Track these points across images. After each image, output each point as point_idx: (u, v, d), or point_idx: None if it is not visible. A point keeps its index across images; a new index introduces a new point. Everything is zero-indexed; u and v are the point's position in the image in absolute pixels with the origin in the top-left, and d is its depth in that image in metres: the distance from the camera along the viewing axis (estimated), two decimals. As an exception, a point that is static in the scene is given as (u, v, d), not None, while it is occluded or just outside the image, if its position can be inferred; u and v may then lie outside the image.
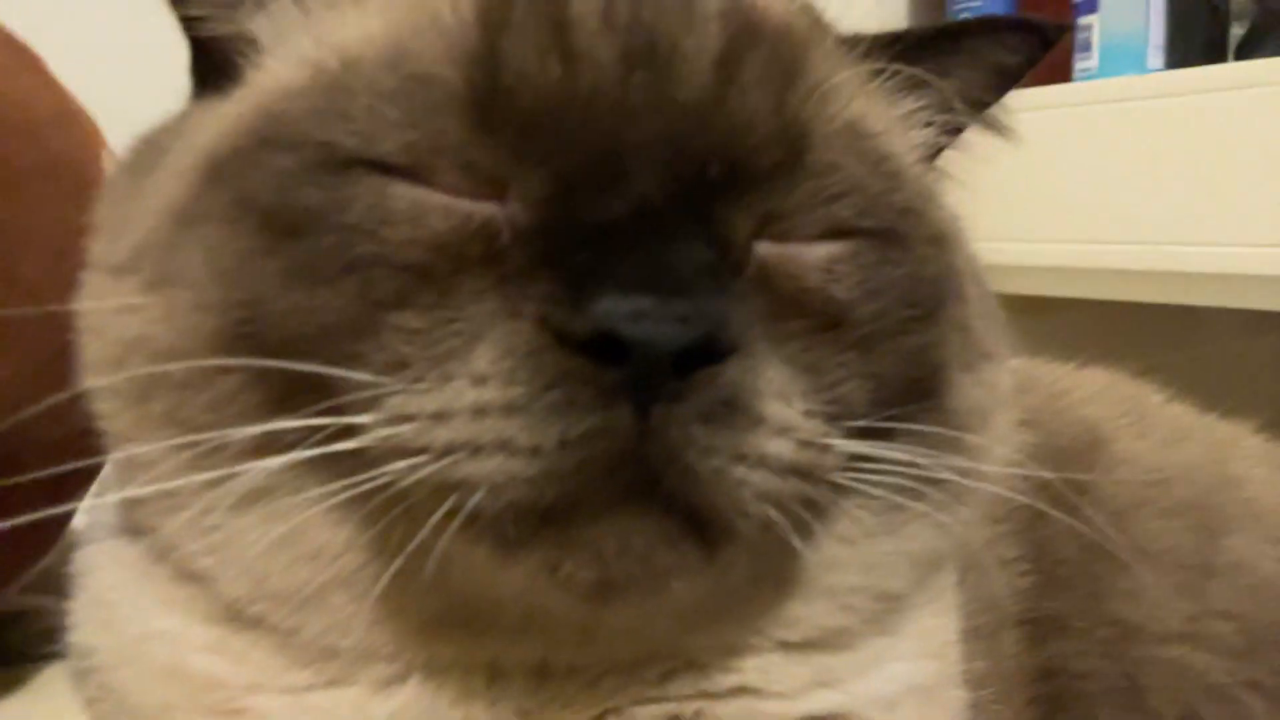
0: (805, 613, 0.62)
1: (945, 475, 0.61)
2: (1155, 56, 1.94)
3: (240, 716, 0.59)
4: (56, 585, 0.83)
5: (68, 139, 0.80)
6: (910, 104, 0.67)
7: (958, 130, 0.70)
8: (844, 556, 0.62)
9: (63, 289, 0.65)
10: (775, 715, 0.62)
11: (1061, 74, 1.98)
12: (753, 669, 0.62)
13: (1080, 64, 1.98)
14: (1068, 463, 0.84)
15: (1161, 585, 0.86)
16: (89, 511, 0.74)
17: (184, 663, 0.61)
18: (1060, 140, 1.82)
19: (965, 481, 0.63)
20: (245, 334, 0.55)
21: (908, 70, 0.64)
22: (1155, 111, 1.73)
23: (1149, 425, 1.03)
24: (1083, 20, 1.98)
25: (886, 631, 0.65)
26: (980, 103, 0.70)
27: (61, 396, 0.59)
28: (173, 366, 0.55)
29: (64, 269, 0.69)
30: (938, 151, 0.70)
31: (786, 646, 0.63)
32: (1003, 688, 0.77)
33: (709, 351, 0.49)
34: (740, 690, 0.62)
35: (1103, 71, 1.94)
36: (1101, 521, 0.81)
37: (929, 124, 0.68)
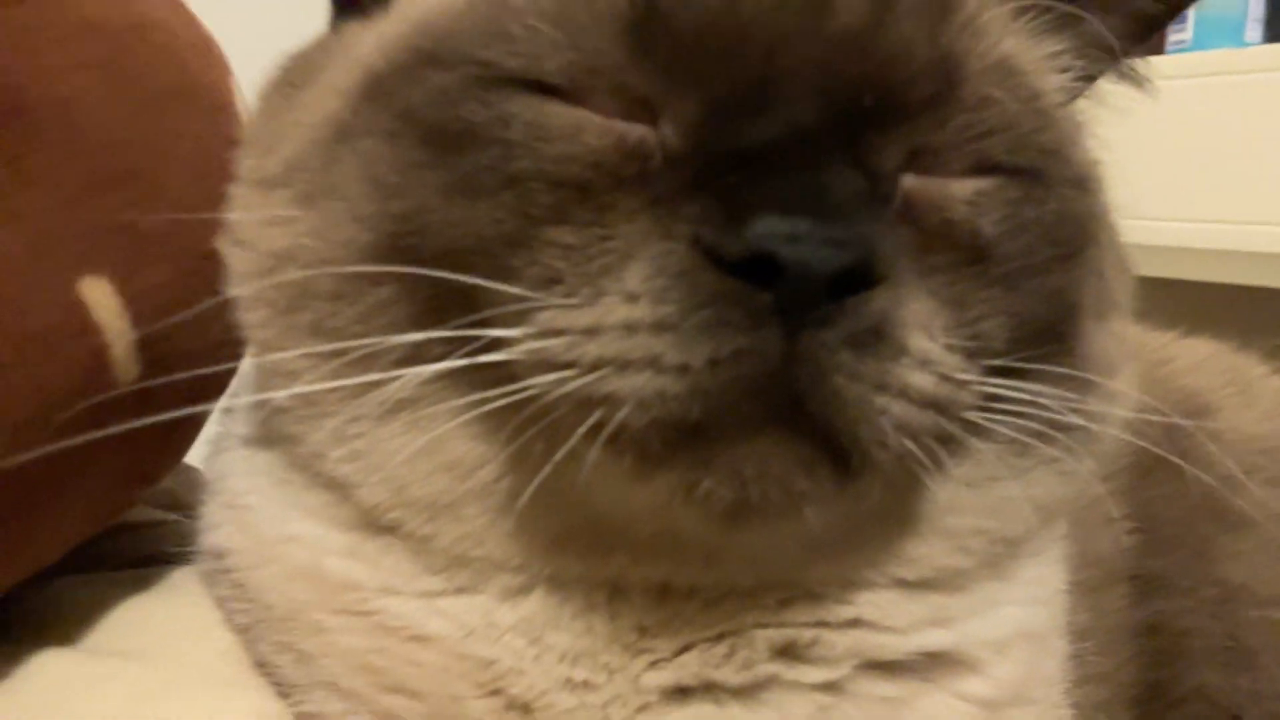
0: (924, 552, 0.63)
1: (1075, 420, 0.61)
2: (1254, 29, 1.88)
3: (373, 617, 0.62)
4: (175, 503, 0.87)
5: (204, 63, 0.82)
6: (1052, 45, 0.66)
7: (1092, 78, 0.70)
8: (967, 499, 0.62)
9: (204, 206, 0.67)
10: (888, 648, 0.63)
11: (1154, 47, 1.93)
12: (868, 603, 0.63)
13: (1174, 36, 1.92)
14: (1172, 431, 0.83)
15: (1269, 550, 0.86)
16: (220, 423, 0.77)
17: (320, 565, 0.63)
18: (1152, 115, 1.78)
19: (1094, 428, 0.63)
20: (402, 246, 0.56)
21: (1057, 6, 0.63)
22: (1252, 86, 1.68)
23: (1253, 396, 1.02)
24: (1178, -9, 1.93)
25: (1000, 576, 0.66)
26: (1116, 50, 0.69)
27: (213, 301, 0.61)
28: (332, 271, 0.57)
29: (204, 187, 0.72)
30: (1074, 97, 0.69)
31: (903, 584, 0.63)
32: (1105, 641, 0.77)
33: (861, 278, 0.50)
34: (855, 622, 0.63)
35: (1197, 44, 1.89)
36: (1209, 484, 0.81)
37: (1067, 69, 0.68)
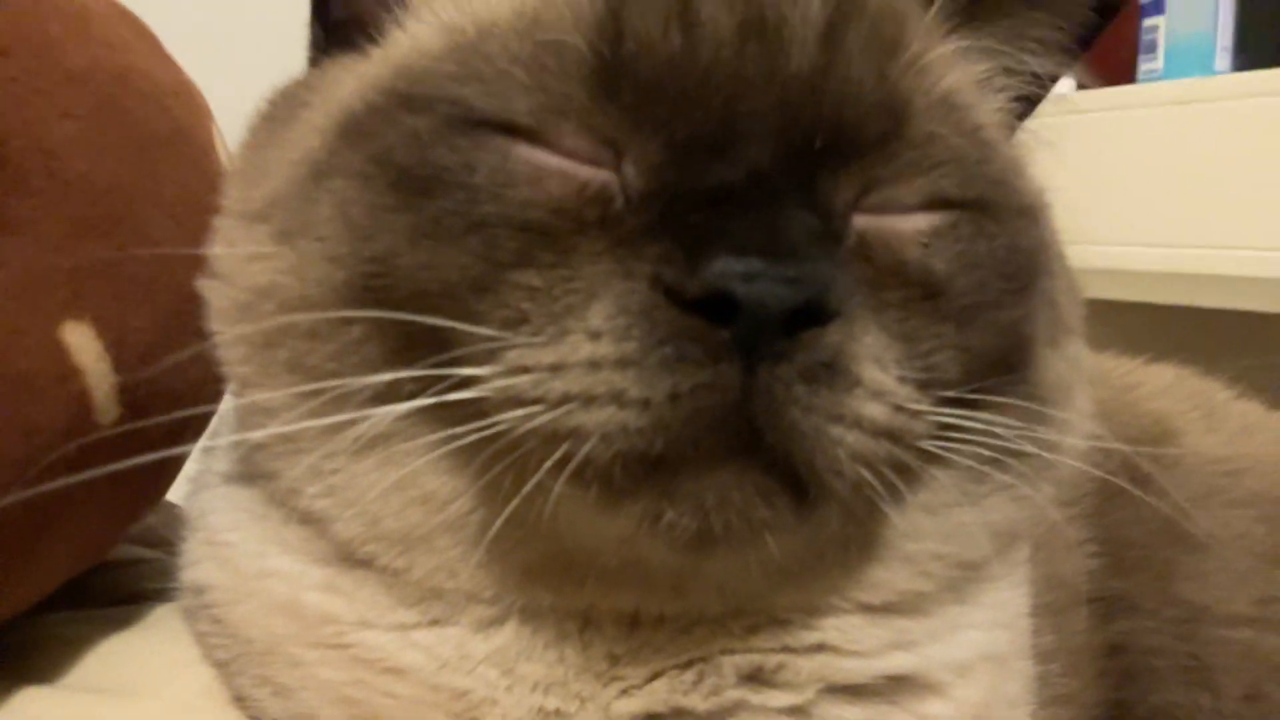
0: (886, 577, 0.65)
1: (1029, 449, 0.63)
2: (1223, 58, 1.92)
3: (349, 650, 0.63)
4: (156, 540, 0.88)
5: (186, 109, 0.84)
6: (985, 67, 0.68)
7: (1030, 101, 0.72)
8: (926, 525, 0.64)
9: (186, 249, 0.68)
10: (853, 672, 0.64)
11: (1126, 75, 1.97)
12: (833, 628, 0.64)
13: (1145, 65, 1.96)
14: (1133, 458, 0.85)
15: (1230, 570, 0.88)
16: (200, 461, 0.79)
17: (298, 599, 0.64)
18: (1124, 143, 1.81)
19: (1048, 455, 0.65)
20: (373, 287, 0.58)
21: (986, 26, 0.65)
22: (1222, 114, 1.72)
23: (1218, 419, 1.04)
24: (1148, 21, 1.97)
25: (963, 600, 0.68)
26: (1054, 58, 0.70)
27: (200, 346, 0.63)
28: (305, 317, 0.59)
29: (187, 231, 0.74)
30: (1015, 126, 0.72)
31: (866, 609, 0.65)
32: (1070, 662, 0.79)
33: (815, 314, 0.52)
34: (820, 647, 0.64)
35: (1168, 73, 1.92)
36: (1170, 508, 0.83)
37: (1002, 89, 0.70)
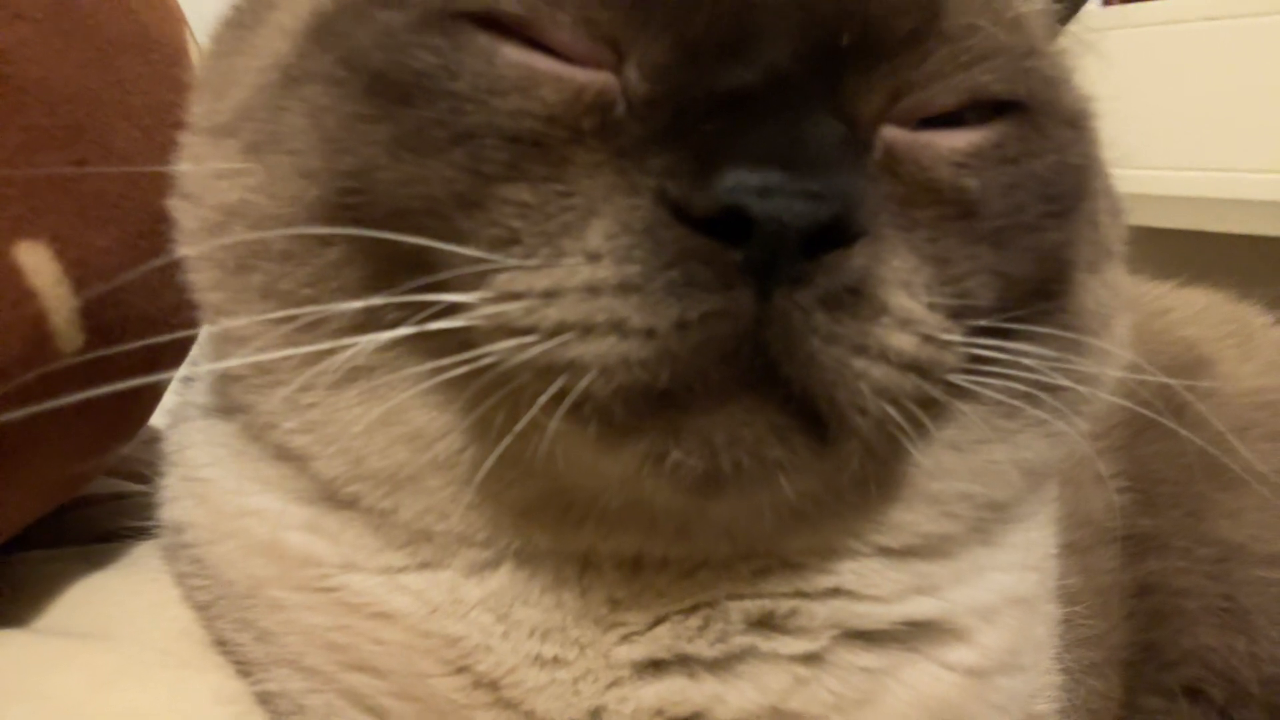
0: (908, 519, 0.60)
1: (1065, 382, 0.58)
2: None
3: (334, 594, 0.59)
4: (138, 474, 0.84)
5: (156, 13, 0.78)
6: None
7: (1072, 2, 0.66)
8: (952, 463, 0.60)
9: (156, 164, 0.64)
10: (871, 618, 0.60)
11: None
12: (849, 572, 0.61)
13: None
14: (1167, 385, 0.81)
15: (1267, 507, 0.83)
16: (179, 392, 0.74)
17: (279, 540, 0.60)
18: (1148, 61, 1.73)
19: (1082, 389, 0.60)
20: (350, 205, 0.53)
21: None
22: (1249, 30, 1.64)
23: (1254, 347, 0.99)
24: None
25: (989, 542, 0.64)
26: None
27: (158, 262, 0.58)
28: (275, 233, 0.54)
29: (155, 143, 0.68)
30: (1056, 25, 0.65)
31: (886, 552, 0.61)
32: (1097, 603, 0.75)
33: (839, 233, 0.47)
34: (836, 592, 0.60)
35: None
36: (1205, 442, 0.78)
37: None
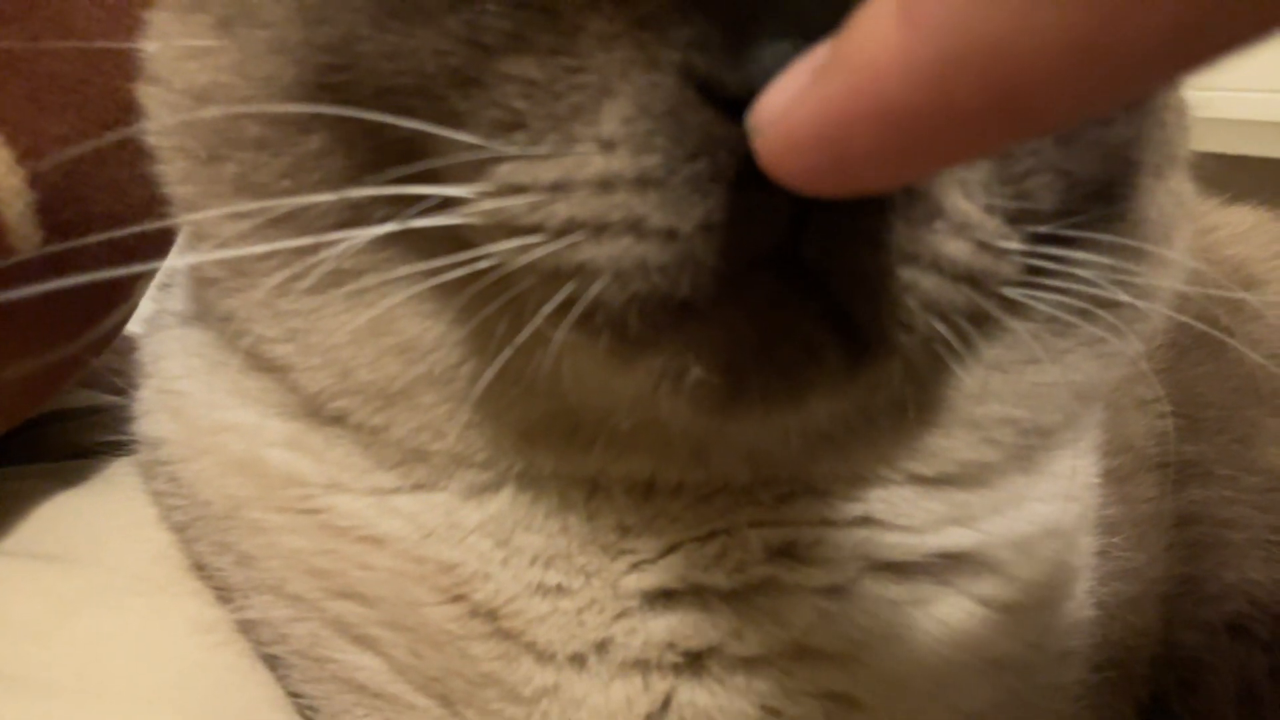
0: (945, 445, 0.55)
1: (1123, 296, 0.52)
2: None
3: (318, 516, 0.55)
4: (115, 386, 0.79)
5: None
6: None
7: None
8: (996, 385, 0.54)
9: (119, 39, 0.57)
10: (901, 549, 0.56)
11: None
12: (879, 500, 0.56)
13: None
14: (1215, 305, 0.75)
15: (1320, 435, 0.79)
16: (156, 299, 0.69)
17: (259, 457, 0.56)
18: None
19: (1141, 304, 0.54)
20: (331, 84, 0.47)
21: None
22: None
23: (1303, 268, 0.93)
24: None
25: (1029, 469, 0.59)
26: None
27: (113, 138, 0.52)
28: (256, 109, 0.48)
29: (120, 24, 0.62)
30: None
31: (919, 480, 0.56)
32: (1136, 534, 0.71)
33: None
34: (864, 521, 0.56)
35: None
36: (1254, 364, 0.73)
37: None
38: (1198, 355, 0.78)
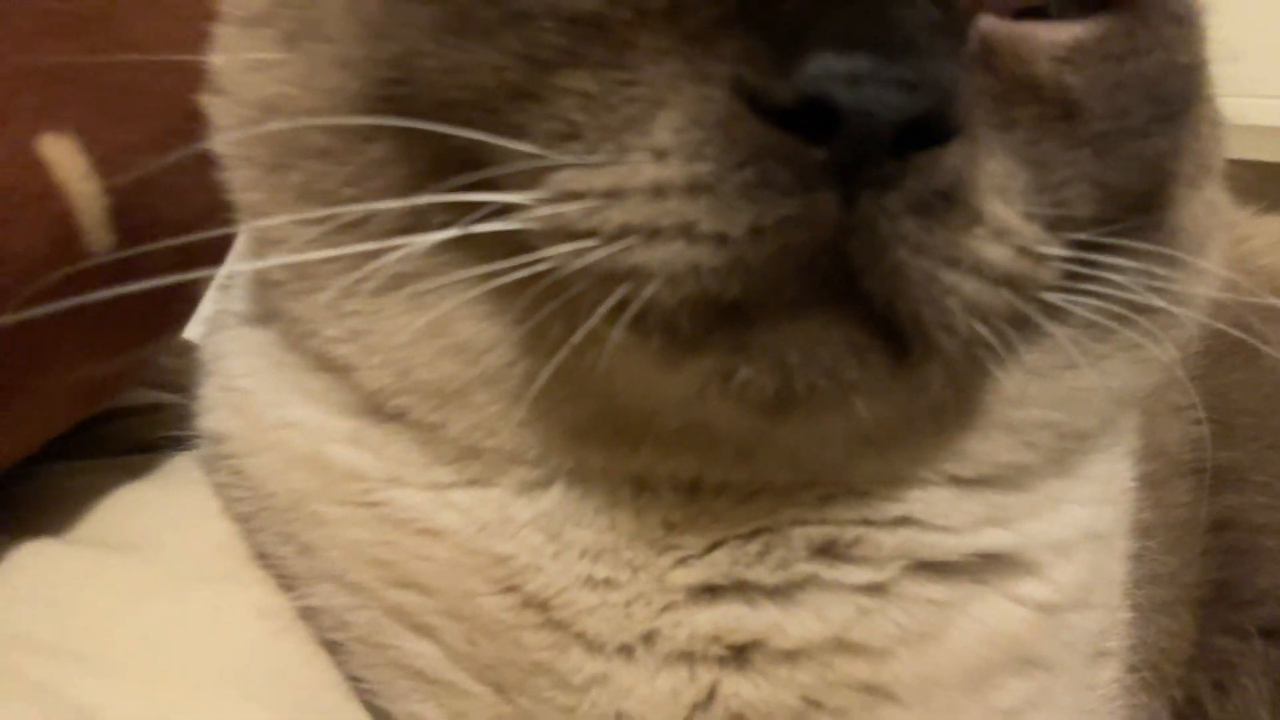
0: (983, 448, 0.57)
1: (1159, 303, 0.54)
2: None
3: (379, 509, 0.57)
4: (176, 385, 0.82)
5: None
6: None
7: None
8: (1035, 389, 0.56)
9: (180, 51, 0.60)
10: (940, 548, 0.57)
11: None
12: (918, 500, 0.57)
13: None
14: (1249, 312, 0.76)
15: (1355, 443, 0.79)
16: (216, 300, 0.72)
17: (321, 453, 0.58)
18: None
19: (1177, 310, 0.56)
20: (393, 96, 0.49)
21: None
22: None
23: (1338, 277, 0.93)
24: None
25: (1067, 473, 0.60)
26: None
27: (186, 152, 0.54)
28: (321, 122, 0.50)
29: (183, 35, 0.64)
30: None
31: (957, 481, 0.57)
32: (1170, 538, 0.72)
33: (933, 129, 0.42)
34: (904, 521, 0.57)
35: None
36: None
37: None
38: (1232, 362, 0.79)
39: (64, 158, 0.56)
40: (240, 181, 0.56)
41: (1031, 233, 0.47)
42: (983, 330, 0.46)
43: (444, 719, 0.57)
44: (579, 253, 0.45)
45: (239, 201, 0.57)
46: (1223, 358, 0.80)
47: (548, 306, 0.47)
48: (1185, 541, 0.76)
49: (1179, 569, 0.73)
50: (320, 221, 0.52)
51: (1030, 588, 0.59)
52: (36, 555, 0.59)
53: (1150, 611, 0.68)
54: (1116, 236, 0.52)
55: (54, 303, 0.51)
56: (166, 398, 0.82)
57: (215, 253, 0.67)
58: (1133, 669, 0.66)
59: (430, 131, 0.47)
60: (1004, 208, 0.46)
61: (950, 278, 0.44)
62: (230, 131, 0.56)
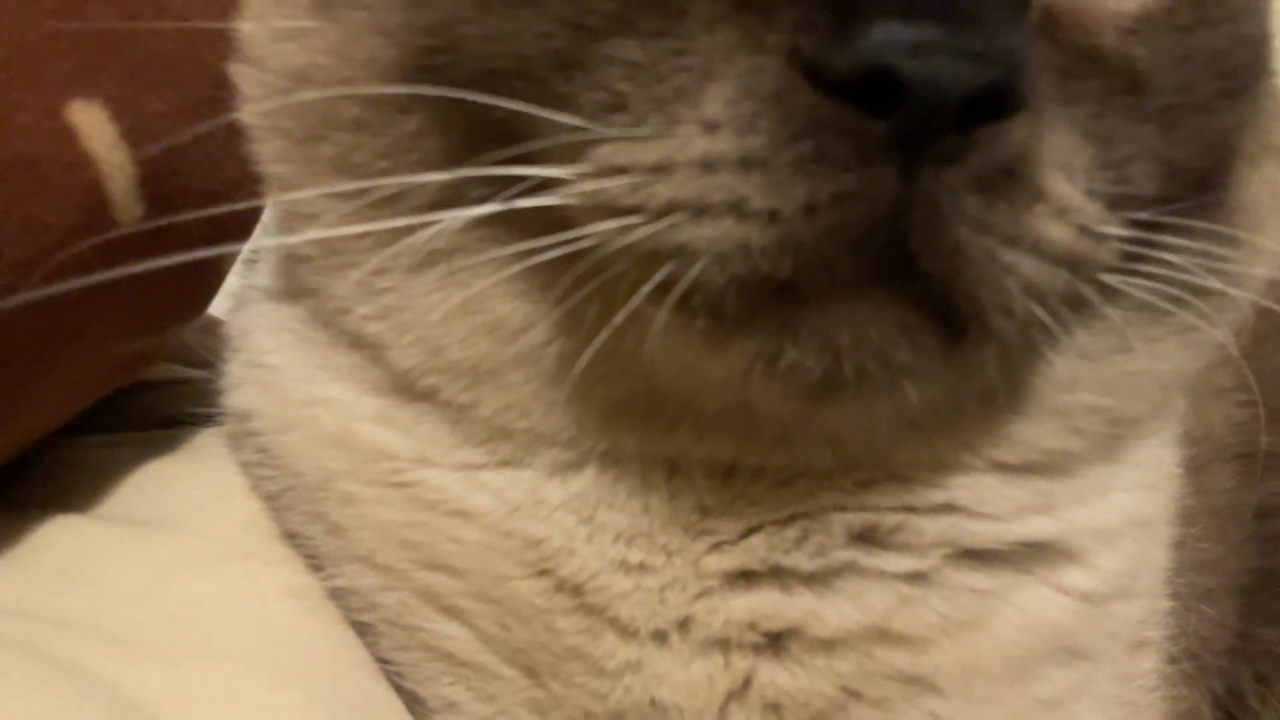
0: (1030, 433, 0.55)
1: (1215, 284, 0.52)
2: None
3: (409, 489, 0.56)
4: (201, 360, 0.81)
5: None
6: None
7: None
8: (1083, 373, 0.54)
9: (215, 19, 0.58)
10: (984, 536, 0.56)
11: None
12: (961, 487, 0.56)
13: None
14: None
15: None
16: (242, 274, 0.70)
17: (351, 431, 0.57)
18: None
19: (1233, 292, 0.54)
20: (431, 66, 0.48)
21: None
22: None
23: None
24: None
25: (1113, 459, 0.58)
26: None
27: (218, 122, 0.53)
28: (346, 92, 0.49)
29: (216, 6, 0.63)
30: None
31: (1002, 467, 0.56)
32: (1212, 525, 0.70)
33: (999, 102, 0.40)
34: (947, 508, 0.56)
35: None
36: None
37: None
38: (1275, 344, 0.77)
39: (93, 125, 0.54)
40: (269, 153, 0.55)
41: (1093, 211, 0.45)
42: (1039, 312, 0.44)
43: (474, 702, 0.56)
44: (622, 230, 0.43)
45: (268, 174, 0.56)
46: (1266, 338, 0.78)
47: (587, 286, 0.46)
48: (1228, 528, 0.74)
49: (1221, 556, 0.72)
50: (353, 196, 0.51)
51: (1074, 576, 0.57)
52: (63, 531, 0.58)
53: (1191, 600, 0.66)
54: (1176, 215, 0.50)
55: (82, 277, 0.49)
56: (192, 373, 0.81)
57: (243, 226, 0.66)
58: (1172, 660, 0.65)
59: (469, 102, 0.46)
60: (1066, 185, 0.44)
61: (1009, 257, 0.42)
62: (259, 101, 0.54)
